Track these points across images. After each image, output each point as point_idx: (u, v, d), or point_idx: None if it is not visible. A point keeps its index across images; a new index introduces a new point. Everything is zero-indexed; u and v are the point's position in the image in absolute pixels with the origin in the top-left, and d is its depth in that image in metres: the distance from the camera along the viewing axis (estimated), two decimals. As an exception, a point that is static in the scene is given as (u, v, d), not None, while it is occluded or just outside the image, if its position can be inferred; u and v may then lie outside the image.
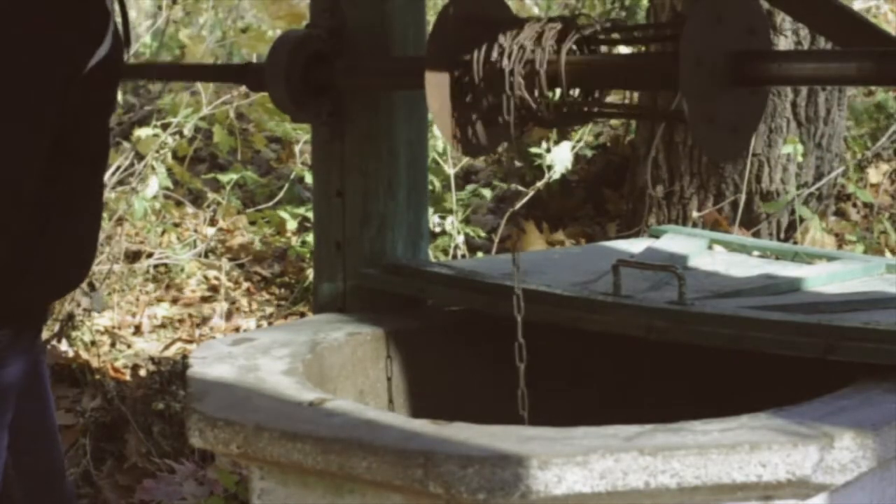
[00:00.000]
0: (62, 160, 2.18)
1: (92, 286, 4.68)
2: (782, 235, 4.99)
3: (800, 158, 4.92)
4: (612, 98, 2.61)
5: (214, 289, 5.15)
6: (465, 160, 5.45)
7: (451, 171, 5.03)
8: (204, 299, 5.08)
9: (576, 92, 2.41)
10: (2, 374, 2.24)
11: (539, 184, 5.20)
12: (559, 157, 5.00)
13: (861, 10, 6.52)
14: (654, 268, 2.60)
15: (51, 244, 2.21)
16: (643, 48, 4.54)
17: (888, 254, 5.00)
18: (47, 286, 2.29)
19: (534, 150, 5.30)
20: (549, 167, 5.02)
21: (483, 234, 5.21)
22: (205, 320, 4.85)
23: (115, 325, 4.75)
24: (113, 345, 4.61)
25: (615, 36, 2.44)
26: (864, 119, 5.79)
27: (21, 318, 2.26)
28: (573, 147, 5.17)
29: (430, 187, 5.00)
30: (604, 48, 2.44)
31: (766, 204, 4.91)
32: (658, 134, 5.03)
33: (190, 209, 5.75)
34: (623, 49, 4.59)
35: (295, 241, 5.44)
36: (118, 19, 2.28)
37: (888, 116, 5.81)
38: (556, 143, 5.11)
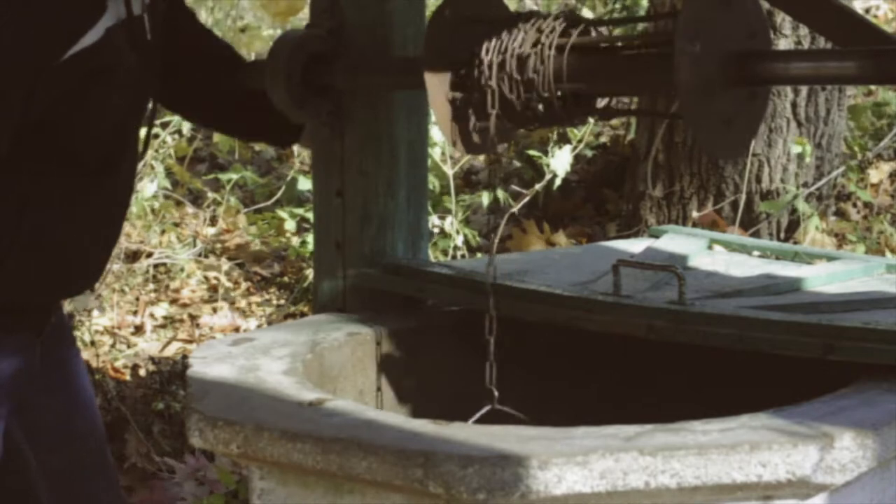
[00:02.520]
0: (40, 155, 2.16)
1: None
2: (782, 235, 4.99)
3: (808, 159, 4.93)
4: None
5: (214, 289, 5.15)
6: (465, 160, 5.44)
7: (450, 171, 5.02)
8: (204, 299, 5.08)
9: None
10: None
11: (538, 186, 5.19)
12: (560, 163, 5.01)
13: (861, 11, 6.52)
14: (654, 268, 2.60)
15: (30, 242, 2.18)
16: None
17: (888, 254, 5.00)
18: (34, 287, 2.25)
19: (532, 152, 5.30)
20: (554, 174, 5.02)
21: (479, 239, 5.21)
22: (205, 320, 4.85)
23: (115, 325, 4.75)
24: (113, 345, 4.61)
25: (614, 34, 2.44)
26: (865, 119, 5.79)
27: (7, 316, 2.25)
28: (574, 149, 5.17)
29: (430, 187, 5.00)
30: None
31: (764, 203, 4.90)
32: (658, 134, 5.03)
33: (190, 209, 5.75)
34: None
35: (295, 241, 5.44)
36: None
37: (889, 116, 5.80)
38: (559, 145, 5.11)
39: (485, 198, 5.20)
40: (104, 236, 2.34)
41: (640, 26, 5.32)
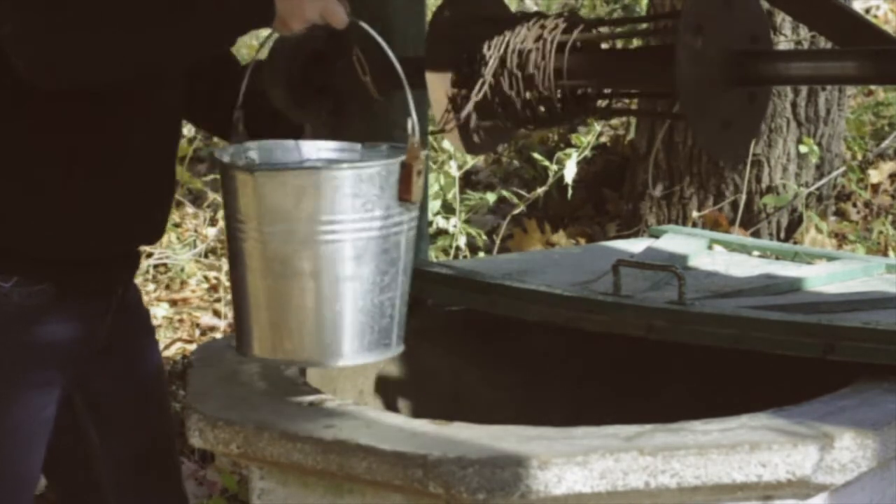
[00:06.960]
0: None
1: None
2: (782, 235, 4.99)
3: (814, 159, 4.93)
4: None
5: (214, 289, 5.15)
6: (467, 162, 5.45)
7: (455, 173, 5.03)
8: (204, 299, 5.08)
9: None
10: (38, 330, 2.19)
11: (540, 190, 5.20)
12: (570, 171, 5.02)
13: (861, 11, 6.52)
14: (654, 268, 2.60)
15: (81, 197, 2.18)
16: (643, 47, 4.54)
17: (889, 254, 5.00)
18: (86, 244, 2.23)
19: (536, 155, 5.30)
20: (562, 179, 5.04)
21: (484, 237, 5.21)
22: (205, 320, 4.85)
23: (115, 325, 4.74)
24: (113, 345, 4.60)
25: (617, 31, 2.44)
26: (864, 119, 5.79)
27: (58, 275, 2.20)
28: (580, 154, 5.18)
29: (436, 188, 5.00)
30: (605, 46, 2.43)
31: (766, 197, 4.90)
32: (658, 134, 5.03)
33: (190, 209, 5.75)
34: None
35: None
36: None
37: (889, 116, 5.80)
38: (566, 154, 5.11)
39: (490, 198, 5.21)
40: (150, 190, 2.32)
41: (640, 26, 5.32)
